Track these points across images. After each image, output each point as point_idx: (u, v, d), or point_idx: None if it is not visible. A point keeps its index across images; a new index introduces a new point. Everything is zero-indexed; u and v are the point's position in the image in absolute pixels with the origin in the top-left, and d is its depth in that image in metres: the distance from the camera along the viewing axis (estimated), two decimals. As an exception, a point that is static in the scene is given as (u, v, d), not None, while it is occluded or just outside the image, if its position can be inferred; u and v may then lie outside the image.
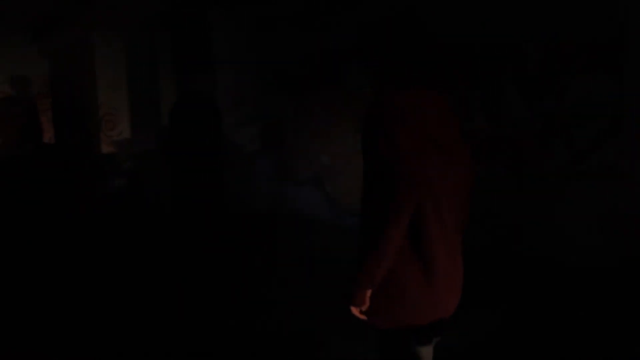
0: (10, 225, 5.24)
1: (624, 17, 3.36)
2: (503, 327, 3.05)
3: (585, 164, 3.82)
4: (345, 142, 5.31)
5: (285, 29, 5.53)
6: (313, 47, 5.48)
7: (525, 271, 3.84)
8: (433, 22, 4.21)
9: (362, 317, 1.77)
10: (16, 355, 2.91)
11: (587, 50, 3.59)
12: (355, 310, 1.75)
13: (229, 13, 5.74)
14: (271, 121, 5.87)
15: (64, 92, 6.51)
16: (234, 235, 5.23)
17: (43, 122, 6.31)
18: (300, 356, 2.87)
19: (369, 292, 1.73)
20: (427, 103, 1.72)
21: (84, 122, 5.78)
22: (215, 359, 2.87)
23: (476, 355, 2.78)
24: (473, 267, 2.03)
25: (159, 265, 4.39)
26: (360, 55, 5.30)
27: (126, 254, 4.73)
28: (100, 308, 3.46)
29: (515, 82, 4.16)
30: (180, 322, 3.24)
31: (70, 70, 6.22)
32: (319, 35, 5.47)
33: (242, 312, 3.39)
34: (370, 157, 1.70)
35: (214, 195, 5.70)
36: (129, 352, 2.91)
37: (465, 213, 1.81)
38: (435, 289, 1.73)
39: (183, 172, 5.56)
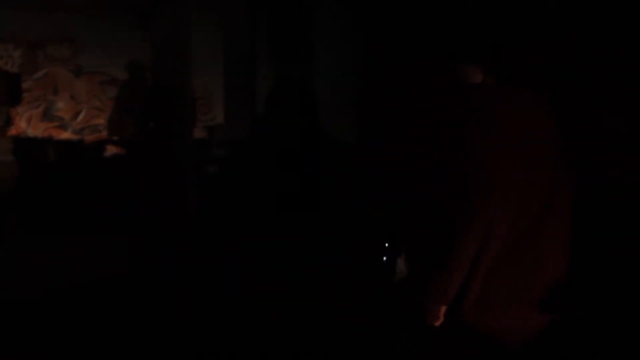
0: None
1: None
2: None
3: None
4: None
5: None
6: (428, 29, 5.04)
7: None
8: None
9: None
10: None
11: None
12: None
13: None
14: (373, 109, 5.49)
15: (162, 76, 6.47)
16: (329, 241, 4.82)
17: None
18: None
19: (443, 309, 1.61)
20: (519, 107, 1.60)
21: (179, 107, 5.67)
22: None
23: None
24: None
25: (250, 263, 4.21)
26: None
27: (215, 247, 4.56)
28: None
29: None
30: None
31: (169, 53, 6.15)
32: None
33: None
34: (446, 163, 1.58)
35: (308, 192, 5.43)
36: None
37: (558, 232, 1.62)
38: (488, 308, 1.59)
39: (273, 166, 5.33)
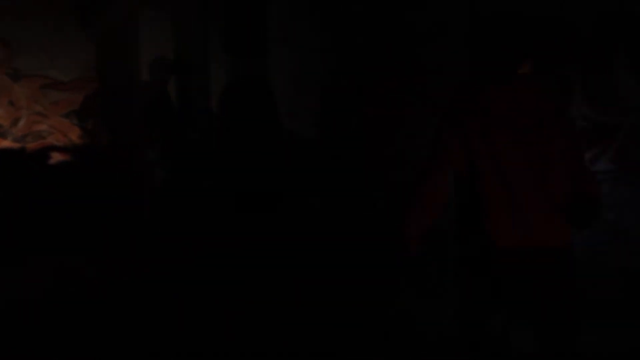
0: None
1: None
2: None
3: None
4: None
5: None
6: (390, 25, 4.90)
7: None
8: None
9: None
10: None
11: None
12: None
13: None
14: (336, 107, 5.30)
15: (109, 75, 6.12)
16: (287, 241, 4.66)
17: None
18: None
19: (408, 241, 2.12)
20: (508, 97, 2.03)
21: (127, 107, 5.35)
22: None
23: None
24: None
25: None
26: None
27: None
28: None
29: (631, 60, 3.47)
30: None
31: (116, 53, 5.81)
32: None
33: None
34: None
35: (271, 193, 5.24)
36: None
37: (553, 185, 2.01)
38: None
39: (232, 167, 5.09)
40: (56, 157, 6.55)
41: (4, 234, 4.76)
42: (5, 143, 6.65)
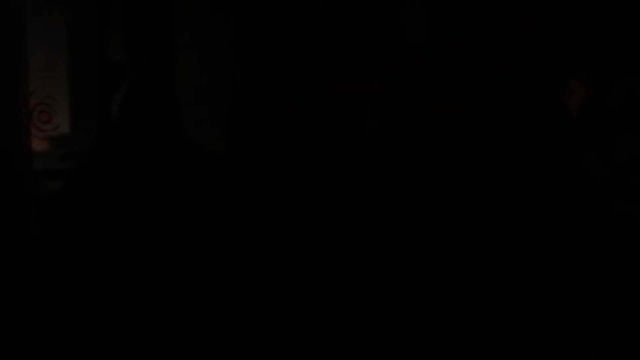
0: None
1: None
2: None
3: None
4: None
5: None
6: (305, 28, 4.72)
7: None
8: None
9: None
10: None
11: None
12: None
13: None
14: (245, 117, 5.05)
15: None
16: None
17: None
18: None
19: None
20: None
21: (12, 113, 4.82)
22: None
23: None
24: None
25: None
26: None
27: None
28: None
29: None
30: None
31: (1, 52, 5.27)
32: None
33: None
34: None
35: (169, 207, 4.91)
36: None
37: None
38: None
39: (131, 177, 4.73)
40: None
41: None
42: None
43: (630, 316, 2.13)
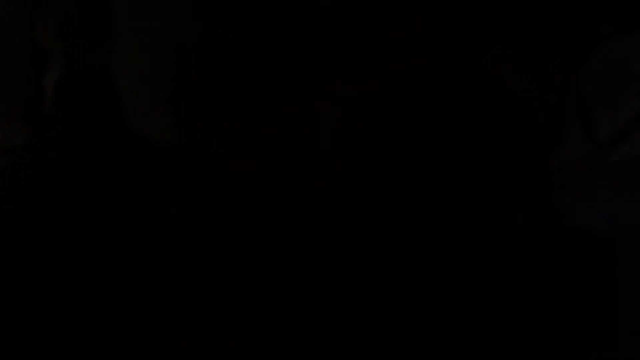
0: None
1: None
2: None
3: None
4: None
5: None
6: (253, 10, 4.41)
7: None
8: None
9: None
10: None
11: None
12: None
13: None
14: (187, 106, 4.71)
15: None
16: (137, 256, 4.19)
17: None
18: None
19: None
20: None
21: None
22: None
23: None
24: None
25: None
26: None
27: None
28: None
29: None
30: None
31: None
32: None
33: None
34: None
35: (116, 203, 4.58)
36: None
37: None
38: None
39: (70, 175, 4.36)
40: None
41: None
42: None
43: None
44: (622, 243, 2.92)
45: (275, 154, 3.21)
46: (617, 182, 2.89)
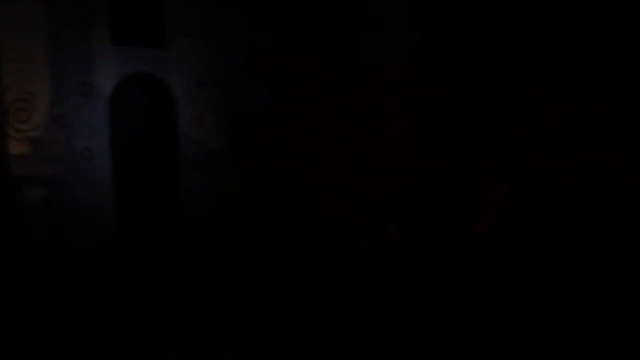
0: None
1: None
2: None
3: None
4: (343, 138, 4.12)
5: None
6: (304, 14, 4.27)
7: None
8: None
9: None
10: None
11: None
12: None
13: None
14: (241, 112, 4.58)
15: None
16: (194, 256, 4.24)
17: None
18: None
19: None
20: None
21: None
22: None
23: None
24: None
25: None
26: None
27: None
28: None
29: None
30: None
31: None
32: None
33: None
34: None
35: (169, 206, 4.46)
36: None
37: None
38: None
39: (127, 179, 4.27)
40: None
41: None
42: None
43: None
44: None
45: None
46: None
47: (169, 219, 4.46)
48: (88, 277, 3.96)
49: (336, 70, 4.03)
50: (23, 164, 4.04)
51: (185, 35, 4.38)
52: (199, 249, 4.42)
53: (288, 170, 4.35)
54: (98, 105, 4.19)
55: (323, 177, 4.32)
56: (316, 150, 4.33)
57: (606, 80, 2.91)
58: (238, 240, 4.53)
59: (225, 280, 3.82)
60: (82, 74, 4.13)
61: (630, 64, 2.95)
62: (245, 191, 4.54)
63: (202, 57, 4.51)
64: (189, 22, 4.43)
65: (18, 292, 3.65)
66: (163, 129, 4.38)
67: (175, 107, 4.40)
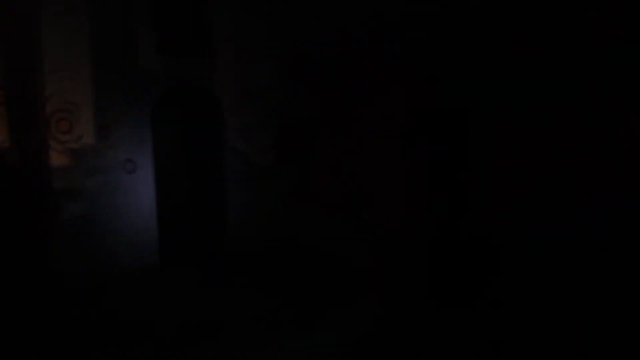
0: None
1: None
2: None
3: None
4: (394, 154, 3.86)
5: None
6: (353, 20, 4.03)
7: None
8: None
9: None
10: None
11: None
12: None
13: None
14: (291, 124, 4.38)
15: (16, 80, 4.97)
16: (234, 275, 4.10)
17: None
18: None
19: None
20: None
21: (35, 120, 4.21)
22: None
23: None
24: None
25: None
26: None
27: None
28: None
29: None
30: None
31: (13, 51, 4.67)
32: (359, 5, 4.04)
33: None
34: None
35: (214, 222, 4.29)
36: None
37: None
38: None
39: (171, 194, 4.11)
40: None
41: None
42: None
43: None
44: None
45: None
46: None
47: (213, 235, 4.29)
48: (130, 294, 3.83)
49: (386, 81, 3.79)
50: (64, 177, 3.93)
51: (233, 44, 4.21)
52: (244, 265, 4.25)
53: (340, 188, 4.11)
54: (142, 116, 4.05)
55: (377, 197, 4.06)
56: (370, 167, 4.07)
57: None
58: (285, 257, 4.33)
59: (273, 299, 3.65)
60: (126, 84, 4.00)
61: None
62: (294, 208, 4.32)
63: (250, 66, 4.32)
64: (235, 31, 4.26)
65: (58, 308, 3.56)
66: (209, 141, 4.22)
67: (221, 118, 4.23)
